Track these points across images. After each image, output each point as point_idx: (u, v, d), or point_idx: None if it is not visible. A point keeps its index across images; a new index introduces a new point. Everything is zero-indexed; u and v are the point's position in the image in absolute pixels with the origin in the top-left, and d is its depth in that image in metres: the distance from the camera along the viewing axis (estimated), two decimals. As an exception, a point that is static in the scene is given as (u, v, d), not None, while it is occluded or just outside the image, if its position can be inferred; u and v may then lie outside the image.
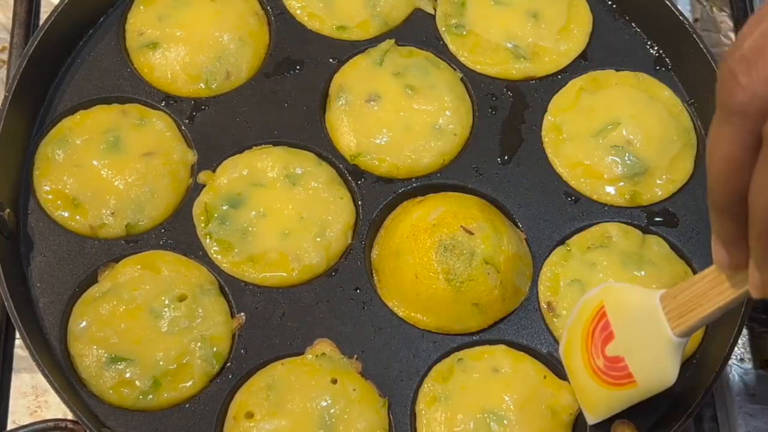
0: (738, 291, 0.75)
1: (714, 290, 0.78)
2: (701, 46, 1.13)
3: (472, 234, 1.02)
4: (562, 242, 1.08)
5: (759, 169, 0.59)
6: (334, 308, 1.04)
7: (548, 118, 1.15)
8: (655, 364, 0.85)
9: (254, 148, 1.10)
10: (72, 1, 1.11)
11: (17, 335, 1.06)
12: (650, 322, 0.83)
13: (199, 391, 0.98)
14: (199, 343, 0.99)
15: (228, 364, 1.00)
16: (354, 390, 0.97)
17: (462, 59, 1.17)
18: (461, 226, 1.02)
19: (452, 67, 1.16)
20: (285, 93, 1.14)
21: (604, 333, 0.88)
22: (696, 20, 1.36)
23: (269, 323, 1.02)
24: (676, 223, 1.11)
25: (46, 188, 1.06)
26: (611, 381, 0.90)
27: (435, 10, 1.20)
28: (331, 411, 0.95)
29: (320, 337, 1.02)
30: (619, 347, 0.87)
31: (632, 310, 0.86)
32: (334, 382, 0.98)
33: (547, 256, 1.07)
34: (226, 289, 1.03)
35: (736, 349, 1.02)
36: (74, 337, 0.99)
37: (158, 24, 1.14)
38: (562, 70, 1.18)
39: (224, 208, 1.06)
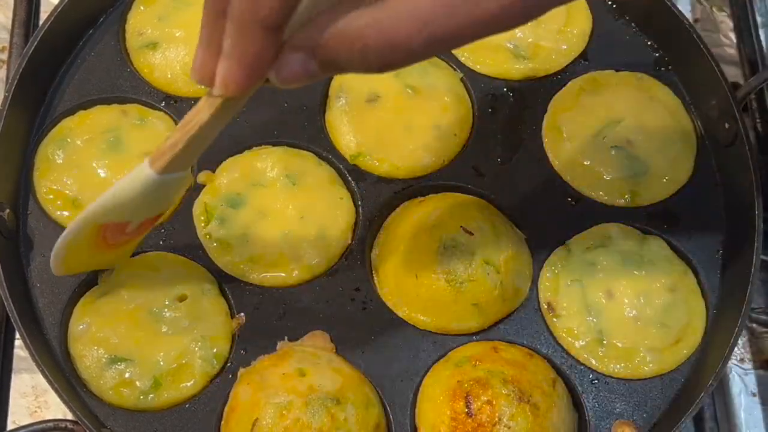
0: (210, 102, 0.73)
1: (193, 118, 0.76)
2: (701, 46, 1.13)
3: (472, 234, 1.02)
4: (562, 242, 1.08)
5: None
6: (334, 308, 1.04)
7: (548, 118, 1.15)
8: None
9: (254, 148, 1.10)
10: (72, 1, 1.11)
11: (17, 335, 1.06)
12: (154, 191, 0.84)
13: (199, 391, 0.98)
14: (199, 344, 0.99)
15: (228, 364, 1.00)
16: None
17: (462, 59, 1.17)
18: (461, 227, 1.02)
19: (452, 67, 1.16)
20: (285, 93, 1.13)
21: (118, 229, 0.90)
22: (696, 20, 1.36)
23: (269, 323, 1.02)
24: (676, 223, 1.11)
25: (45, 188, 1.06)
26: (139, 234, 0.95)
27: (435, 10, 1.20)
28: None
29: (320, 337, 1.02)
30: (135, 221, 0.90)
31: (129, 199, 0.85)
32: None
33: (547, 256, 1.08)
34: (226, 289, 1.03)
35: (736, 349, 1.02)
36: (74, 338, 0.99)
37: (158, 24, 1.14)
38: (562, 70, 1.18)
39: (224, 207, 1.06)
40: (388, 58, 0.61)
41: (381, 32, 0.60)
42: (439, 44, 0.61)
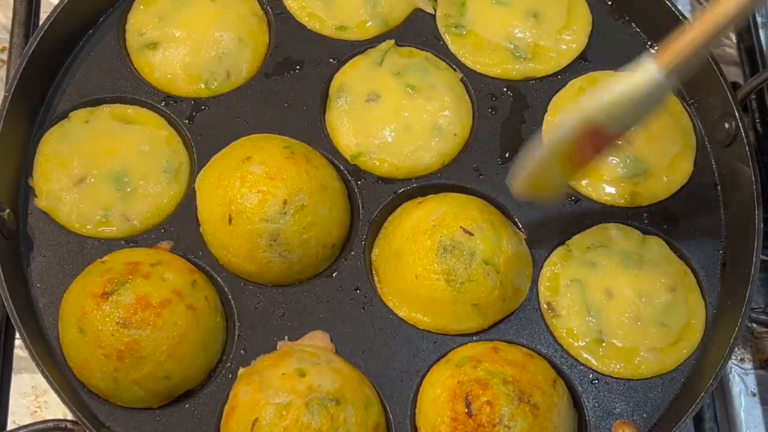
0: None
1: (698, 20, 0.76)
2: (701, 46, 1.13)
3: (472, 235, 1.02)
4: (562, 242, 1.08)
5: None
6: (334, 308, 1.04)
7: (548, 118, 1.15)
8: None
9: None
10: (72, 1, 1.11)
11: (17, 335, 1.06)
12: (651, 94, 0.82)
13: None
14: None
15: (228, 364, 1.00)
16: None
17: (462, 59, 1.17)
18: (461, 227, 1.02)
19: (452, 67, 1.16)
20: (285, 93, 1.14)
21: (593, 140, 0.88)
22: (696, 20, 1.36)
23: (269, 323, 1.02)
24: (676, 223, 1.11)
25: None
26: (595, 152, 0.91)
27: (435, 10, 1.20)
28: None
29: (320, 337, 1.02)
30: (612, 131, 0.87)
31: (630, 96, 0.84)
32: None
33: (547, 256, 1.08)
34: (226, 289, 1.03)
35: (736, 349, 1.02)
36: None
37: (158, 24, 1.14)
38: (562, 70, 1.18)
39: None
40: None
41: None
42: None
